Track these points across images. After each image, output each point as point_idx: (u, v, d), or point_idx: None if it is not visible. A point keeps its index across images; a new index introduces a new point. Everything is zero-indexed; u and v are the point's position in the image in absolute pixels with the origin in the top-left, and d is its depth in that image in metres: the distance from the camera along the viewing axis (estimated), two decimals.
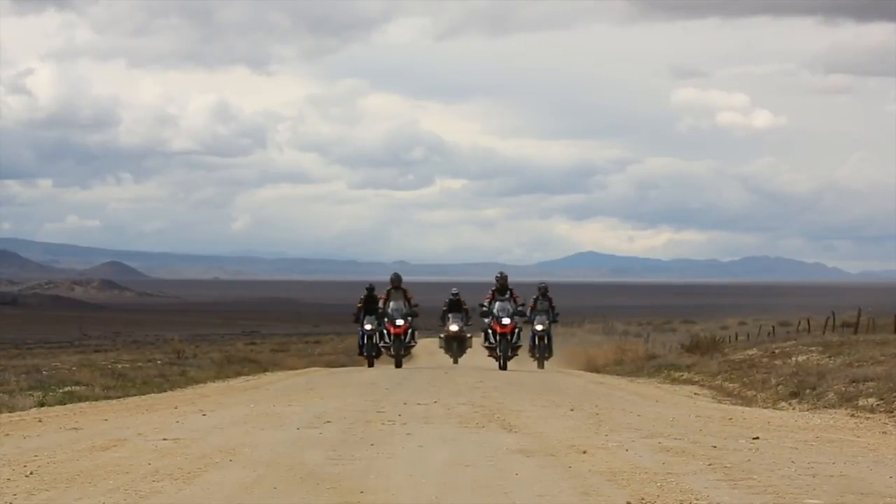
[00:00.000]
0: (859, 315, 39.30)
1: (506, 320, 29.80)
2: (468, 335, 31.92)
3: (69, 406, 17.98)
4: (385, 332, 30.68)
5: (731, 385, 23.93)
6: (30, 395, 19.58)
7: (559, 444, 11.68)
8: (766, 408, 19.07)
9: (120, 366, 27.55)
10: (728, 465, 10.23)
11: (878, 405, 16.93)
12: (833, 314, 42.27)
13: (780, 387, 21.30)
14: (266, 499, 8.83)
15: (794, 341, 30.91)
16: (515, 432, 12.75)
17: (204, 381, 25.67)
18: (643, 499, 8.72)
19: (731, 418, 15.19)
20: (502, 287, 30.04)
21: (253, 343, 63.56)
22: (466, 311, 31.71)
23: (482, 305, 30.39)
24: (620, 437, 12.27)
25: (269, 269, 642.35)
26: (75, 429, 13.65)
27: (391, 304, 30.64)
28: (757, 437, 12.50)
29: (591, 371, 34.20)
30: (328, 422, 13.80)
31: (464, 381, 22.69)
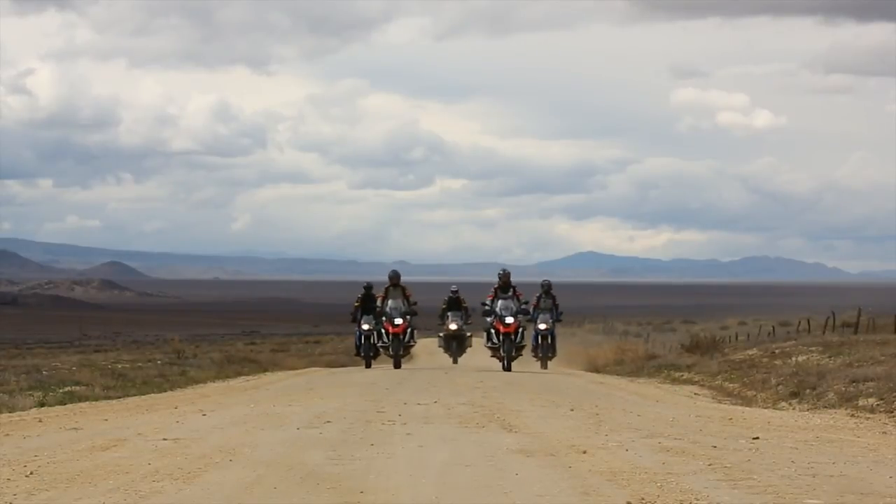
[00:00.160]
0: (859, 315, 39.30)
1: (509, 319, 29.00)
2: (468, 334, 31.26)
3: (69, 406, 17.98)
4: (383, 331, 29.89)
5: (731, 385, 23.93)
6: (30, 395, 19.59)
7: (559, 444, 11.68)
8: (766, 408, 19.08)
9: (120, 366, 27.57)
10: (728, 465, 10.23)
11: (878, 405, 16.93)
12: (833, 314, 42.27)
13: (781, 387, 21.30)
14: (266, 499, 8.83)
15: (794, 341, 30.93)
16: (515, 432, 12.75)
17: (204, 381, 25.69)
18: (643, 499, 8.72)
19: (731, 418, 15.19)
20: (505, 284, 29.29)
21: (253, 343, 63.59)
22: (466, 309, 31.00)
23: (484, 304, 29.63)
24: (620, 437, 12.27)
25: (269, 269, 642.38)
26: (75, 429, 13.66)
27: (389, 302, 29.88)
28: (757, 437, 12.50)
29: (592, 371, 34.19)
30: (328, 422, 13.81)
31: (464, 381, 22.70)
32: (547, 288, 31.72)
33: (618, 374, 31.38)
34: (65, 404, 18.40)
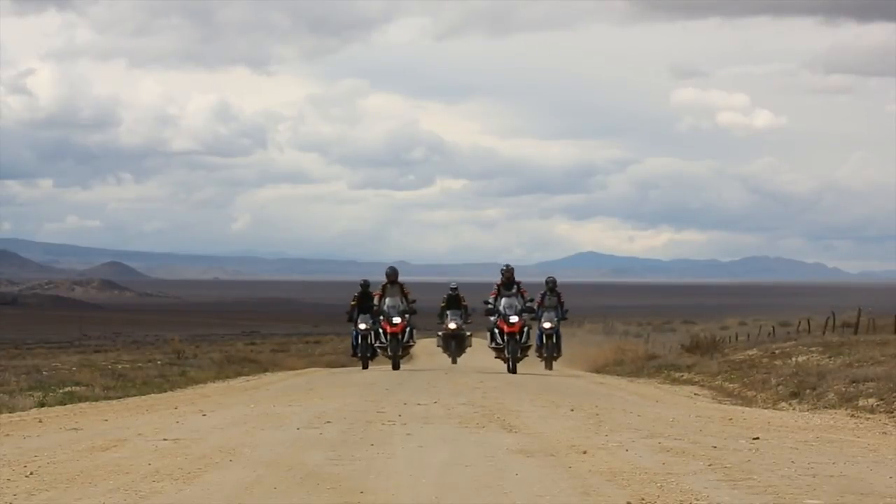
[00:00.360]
0: (859, 315, 39.29)
1: (514, 318, 27.57)
2: (467, 333, 30.39)
3: (69, 406, 17.99)
4: (381, 331, 28.80)
5: (731, 385, 23.93)
6: (30, 395, 19.59)
7: (559, 444, 11.68)
8: (766, 408, 19.08)
9: (120, 366, 27.59)
10: (728, 466, 10.23)
11: (878, 405, 16.94)
12: (833, 314, 42.26)
13: (781, 387, 21.30)
14: (266, 499, 8.83)
15: (794, 341, 30.92)
16: (515, 432, 12.75)
17: (204, 381, 25.70)
18: (643, 499, 8.72)
19: (731, 418, 15.19)
20: (508, 281, 27.95)
21: (253, 343, 63.66)
22: (465, 307, 30.12)
23: (487, 303, 28.22)
24: (620, 438, 12.27)
25: (269, 269, 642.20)
26: (75, 429, 13.66)
27: (387, 300, 28.84)
28: (757, 438, 12.50)
29: (592, 371, 34.17)
30: (328, 422, 13.80)
31: (464, 381, 22.69)
32: (552, 285, 30.78)
33: (618, 375, 31.31)
34: (65, 404, 18.41)
